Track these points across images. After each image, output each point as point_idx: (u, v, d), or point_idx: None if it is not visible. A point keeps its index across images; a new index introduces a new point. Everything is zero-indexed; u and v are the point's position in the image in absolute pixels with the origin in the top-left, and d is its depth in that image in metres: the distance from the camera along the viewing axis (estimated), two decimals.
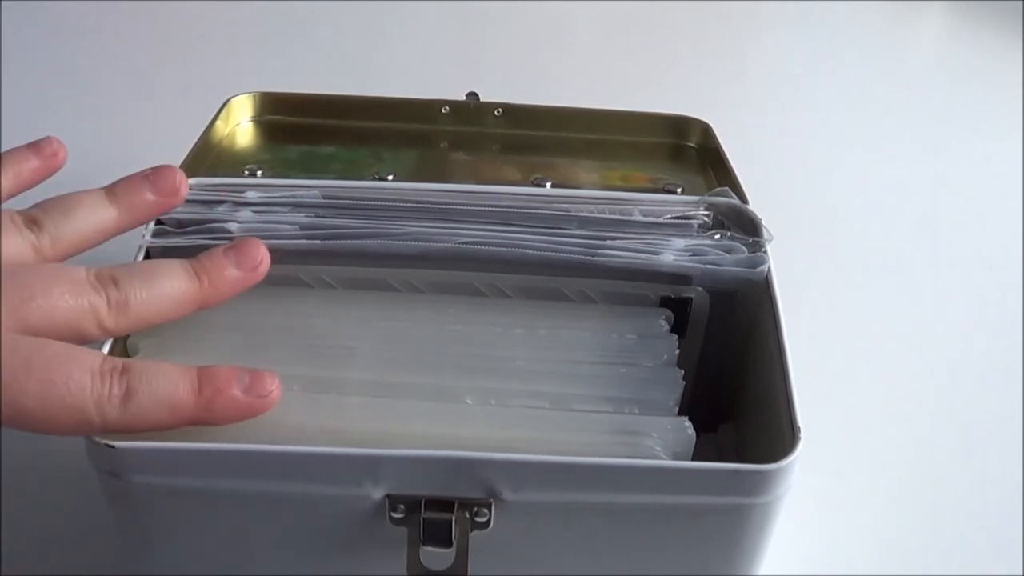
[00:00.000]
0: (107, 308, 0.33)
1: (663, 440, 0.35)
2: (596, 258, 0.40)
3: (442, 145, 0.53)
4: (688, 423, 0.36)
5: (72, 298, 0.33)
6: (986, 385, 0.59)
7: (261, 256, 0.37)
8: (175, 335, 0.38)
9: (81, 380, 0.31)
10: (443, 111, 0.54)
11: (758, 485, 0.33)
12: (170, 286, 0.35)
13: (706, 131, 0.53)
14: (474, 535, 0.34)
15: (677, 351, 0.39)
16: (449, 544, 0.33)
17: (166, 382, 0.32)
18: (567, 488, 0.33)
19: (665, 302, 0.41)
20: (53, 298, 0.32)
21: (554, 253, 0.40)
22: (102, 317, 0.33)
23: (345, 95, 0.54)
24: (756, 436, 0.40)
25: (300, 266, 0.41)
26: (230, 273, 0.36)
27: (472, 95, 0.54)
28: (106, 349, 0.35)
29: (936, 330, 0.63)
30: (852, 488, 0.52)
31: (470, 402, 0.37)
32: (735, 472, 0.33)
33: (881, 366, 0.60)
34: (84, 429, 0.31)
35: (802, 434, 0.33)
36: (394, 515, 0.33)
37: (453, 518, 0.33)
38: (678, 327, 0.41)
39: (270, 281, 0.39)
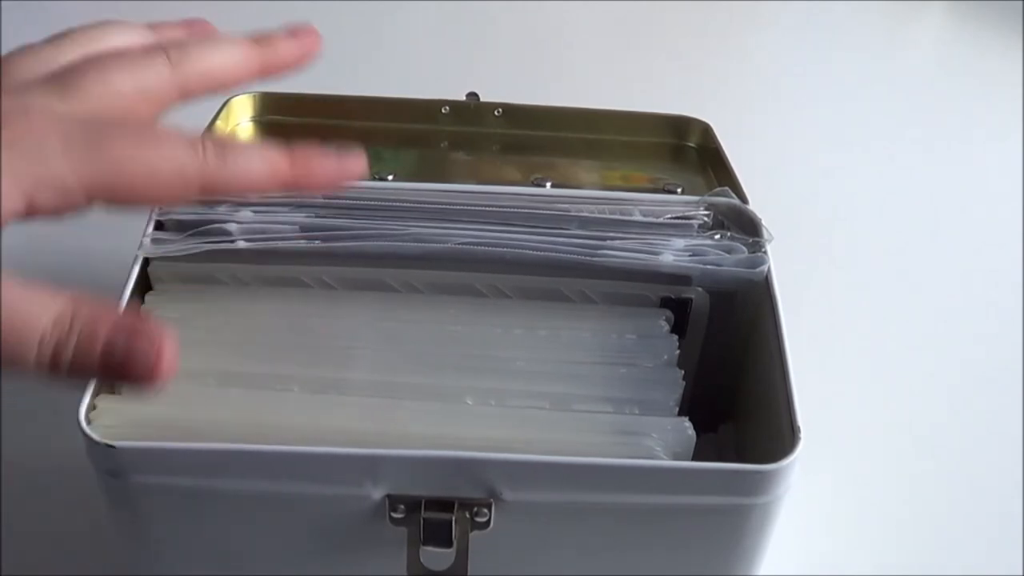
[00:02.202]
0: (166, 58, 0.33)
1: (663, 440, 0.35)
2: (596, 258, 0.40)
3: (442, 145, 0.53)
4: (688, 423, 0.36)
5: (127, 60, 0.32)
6: (986, 385, 0.59)
7: (312, 31, 0.37)
8: (178, 335, 0.38)
9: (171, 131, 0.30)
10: (443, 111, 0.54)
11: (758, 485, 0.33)
12: (230, 48, 0.35)
13: (706, 131, 0.53)
14: (474, 535, 0.34)
15: (677, 351, 0.39)
16: (449, 544, 0.34)
17: (256, 146, 0.32)
18: (567, 488, 0.33)
19: (665, 302, 0.41)
20: (107, 64, 0.32)
21: (554, 253, 0.40)
22: (159, 65, 0.32)
23: (345, 95, 0.54)
24: (756, 436, 0.40)
25: (300, 267, 0.41)
26: (287, 41, 0.36)
27: (472, 95, 0.54)
28: None
29: (936, 330, 0.63)
30: (852, 488, 0.52)
31: (470, 402, 0.37)
32: (735, 472, 0.33)
33: (881, 366, 0.60)
34: (185, 174, 0.30)
35: (802, 434, 0.33)
36: (394, 515, 0.33)
37: (453, 518, 0.33)
38: (678, 327, 0.41)
39: (270, 282, 0.39)
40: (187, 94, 0.33)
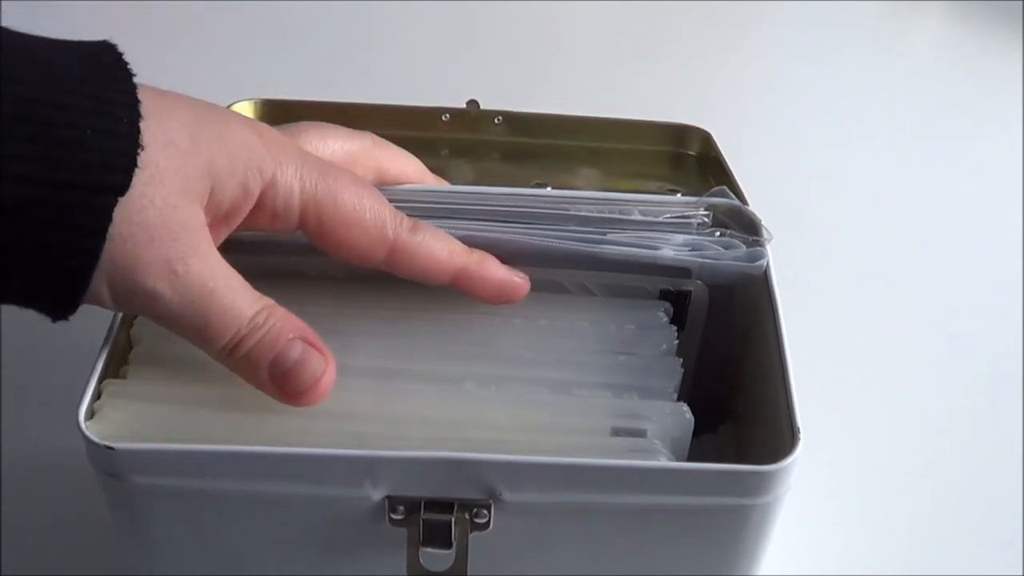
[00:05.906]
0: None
1: (662, 425, 0.35)
2: (595, 251, 0.40)
3: (442, 152, 0.53)
4: (686, 408, 0.36)
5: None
6: (986, 384, 0.59)
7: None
8: None
9: (377, 197, 0.35)
10: (443, 118, 0.54)
11: (758, 485, 0.33)
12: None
13: (706, 139, 0.52)
14: (474, 536, 0.34)
15: (676, 341, 0.39)
16: (449, 545, 0.34)
17: (446, 237, 0.36)
18: (567, 488, 0.33)
19: (664, 295, 0.41)
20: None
21: (554, 243, 0.40)
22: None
23: (346, 102, 0.54)
24: (756, 436, 0.40)
25: (303, 258, 0.41)
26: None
27: (472, 102, 0.54)
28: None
29: (936, 330, 0.63)
30: (852, 488, 0.52)
31: (470, 387, 0.37)
32: (735, 472, 0.33)
33: (881, 366, 0.60)
34: (384, 229, 0.35)
35: (802, 434, 0.33)
36: (394, 516, 0.33)
37: (453, 519, 0.33)
38: (677, 320, 0.41)
39: (271, 274, 0.39)
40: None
